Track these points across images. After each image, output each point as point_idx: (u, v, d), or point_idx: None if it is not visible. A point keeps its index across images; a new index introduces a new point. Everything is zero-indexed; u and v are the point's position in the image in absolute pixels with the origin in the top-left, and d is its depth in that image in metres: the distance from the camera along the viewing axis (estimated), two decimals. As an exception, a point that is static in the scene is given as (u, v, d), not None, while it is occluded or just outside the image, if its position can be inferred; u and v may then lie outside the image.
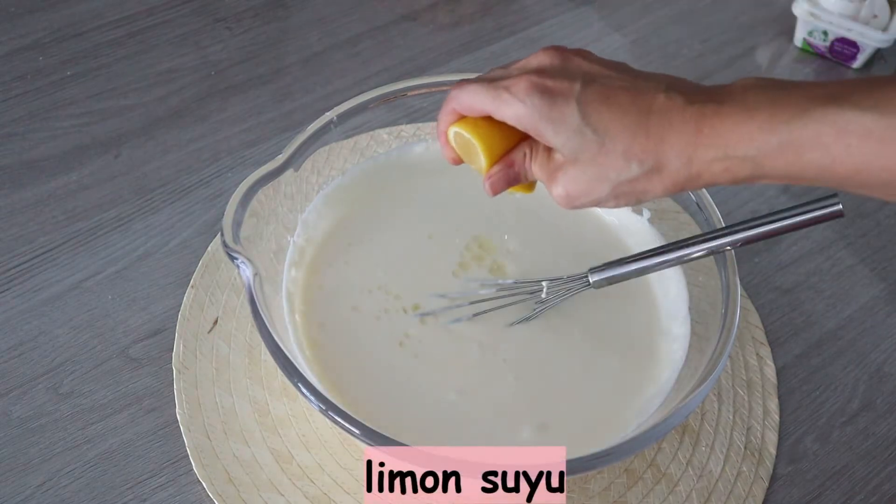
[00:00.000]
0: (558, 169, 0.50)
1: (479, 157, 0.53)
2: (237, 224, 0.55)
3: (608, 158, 0.47)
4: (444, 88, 0.66)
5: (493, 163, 0.53)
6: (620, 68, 0.50)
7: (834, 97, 0.43)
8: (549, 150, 0.52)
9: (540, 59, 0.50)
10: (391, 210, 0.68)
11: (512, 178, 0.53)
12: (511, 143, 0.53)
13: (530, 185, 0.55)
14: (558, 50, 0.51)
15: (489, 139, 0.52)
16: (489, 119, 0.52)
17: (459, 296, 0.63)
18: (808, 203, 0.53)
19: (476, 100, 0.51)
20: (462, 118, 0.53)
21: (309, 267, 0.64)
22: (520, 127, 0.50)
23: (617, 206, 0.50)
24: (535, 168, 0.52)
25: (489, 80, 0.51)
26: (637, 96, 0.47)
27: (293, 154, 0.60)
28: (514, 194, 0.56)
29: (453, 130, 0.53)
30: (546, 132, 0.48)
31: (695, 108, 0.46)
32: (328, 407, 0.50)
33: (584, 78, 0.49)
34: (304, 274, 0.64)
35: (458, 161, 0.56)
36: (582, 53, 0.51)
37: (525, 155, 0.53)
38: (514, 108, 0.49)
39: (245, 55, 0.86)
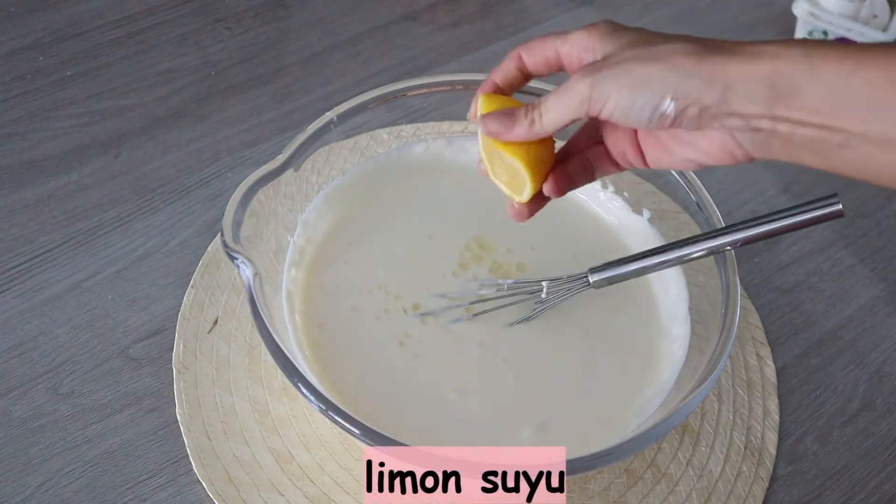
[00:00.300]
0: (608, 61, 0.47)
1: (525, 189, 0.52)
2: (237, 224, 0.55)
3: (660, 53, 0.46)
4: (444, 88, 0.67)
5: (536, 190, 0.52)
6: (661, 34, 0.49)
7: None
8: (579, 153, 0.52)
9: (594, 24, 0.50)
10: (391, 210, 0.68)
11: (506, 120, 0.50)
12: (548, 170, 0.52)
13: (519, 188, 0.53)
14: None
15: (539, 174, 0.52)
16: (541, 153, 0.52)
17: (459, 296, 0.63)
18: (808, 203, 0.53)
19: (535, 42, 0.51)
20: (519, 155, 0.51)
21: (309, 267, 0.64)
22: (574, 53, 0.49)
23: (658, 111, 0.46)
24: (546, 96, 0.49)
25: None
26: (697, 41, 0.47)
27: (293, 154, 0.60)
28: (513, 201, 0.55)
29: (480, 100, 0.52)
30: (604, 46, 0.48)
31: (727, 45, 0.45)
32: (328, 407, 0.50)
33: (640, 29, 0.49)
34: (304, 274, 0.64)
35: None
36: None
37: (528, 105, 0.50)
38: (578, 38, 0.49)
39: (245, 55, 0.86)
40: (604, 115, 0.47)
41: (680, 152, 0.50)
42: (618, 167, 0.54)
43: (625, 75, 0.45)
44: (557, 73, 0.52)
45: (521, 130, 0.50)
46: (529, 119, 0.49)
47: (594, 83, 0.46)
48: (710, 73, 0.44)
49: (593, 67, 0.46)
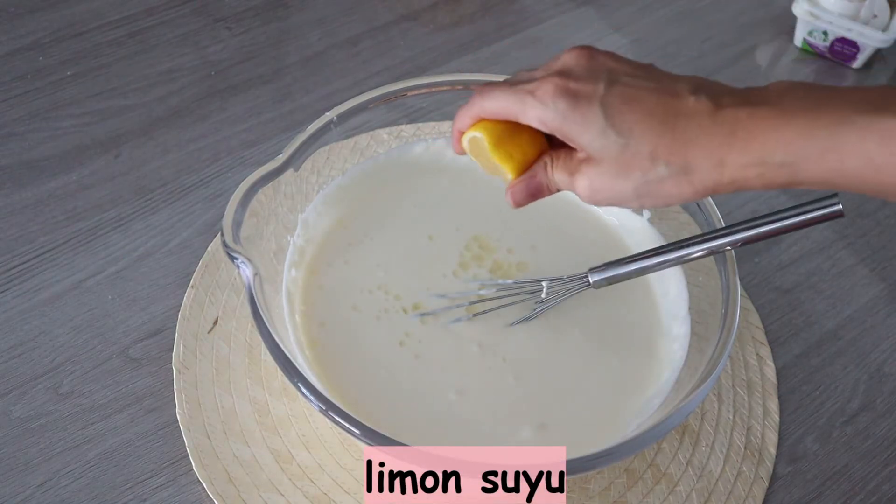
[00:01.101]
0: (583, 163, 0.50)
1: (503, 171, 0.53)
2: (237, 224, 0.55)
3: (633, 159, 0.47)
4: (444, 88, 0.67)
5: (520, 173, 0.53)
6: (647, 69, 0.50)
7: (876, 105, 0.42)
8: (570, 151, 0.51)
9: (565, 59, 0.50)
10: (391, 210, 0.68)
11: (534, 189, 0.53)
12: (532, 152, 0.53)
13: (516, 169, 0.54)
14: (584, 50, 0.50)
15: (510, 151, 0.52)
16: (509, 128, 0.52)
17: (459, 296, 0.63)
18: (808, 203, 0.53)
19: (501, 104, 0.51)
20: (480, 121, 0.53)
21: (309, 267, 0.64)
22: (545, 129, 0.50)
23: (642, 206, 0.49)
24: (557, 174, 0.52)
25: (513, 84, 0.51)
26: (664, 97, 0.47)
27: (293, 154, 0.60)
28: None
29: (470, 135, 0.53)
30: (571, 133, 0.48)
31: (727, 111, 0.46)
32: (328, 407, 0.50)
33: (608, 78, 0.48)
34: (304, 274, 0.64)
35: (463, 153, 0.55)
36: (609, 54, 0.50)
37: (546, 165, 0.52)
38: (538, 112, 0.49)
39: (245, 55, 0.86)
40: None
41: None
42: None
43: (628, 201, 0.49)
44: None
45: (547, 194, 0.54)
46: (551, 190, 0.53)
47: (601, 201, 0.50)
48: (704, 193, 0.47)
49: (595, 189, 0.49)
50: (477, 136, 0.53)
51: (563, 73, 0.49)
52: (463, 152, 0.55)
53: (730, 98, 0.46)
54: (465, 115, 0.53)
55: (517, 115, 0.50)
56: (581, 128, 0.48)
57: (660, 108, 0.47)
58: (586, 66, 0.49)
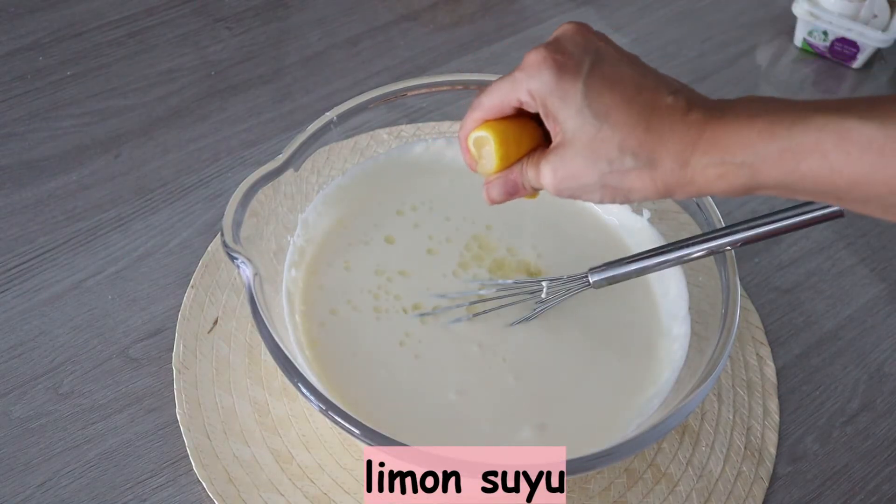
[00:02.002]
0: (552, 151, 0.50)
1: (492, 158, 0.53)
2: (237, 224, 0.55)
3: (603, 145, 0.47)
4: (444, 88, 0.67)
5: (504, 166, 0.53)
6: (635, 60, 0.50)
7: (837, 108, 0.43)
8: (543, 150, 0.52)
9: (559, 32, 0.50)
10: (391, 210, 0.68)
11: (509, 186, 0.53)
12: (526, 150, 0.53)
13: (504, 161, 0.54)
14: (579, 26, 0.50)
15: (505, 140, 0.52)
16: (510, 125, 0.52)
17: (459, 296, 0.63)
18: (808, 203, 0.53)
19: (495, 93, 0.51)
20: (485, 123, 0.53)
21: (309, 267, 0.64)
22: (534, 104, 0.49)
23: (602, 199, 0.49)
24: (528, 169, 0.52)
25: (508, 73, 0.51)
26: (644, 90, 0.47)
27: (293, 154, 0.60)
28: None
29: (474, 135, 0.53)
30: (553, 107, 0.48)
31: (698, 114, 0.46)
32: (328, 407, 0.50)
33: (595, 58, 0.48)
34: (304, 274, 0.64)
35: (475, 164, 0.55)
36: (602, 36, 0.50)
37: (523, 163, 0.53)
38: (526, 83, 0.49)
39: (245, 55, 0.86)
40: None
41: None
42: None
43: (591, 191, 0.49)
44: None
45: (523, 193, 0.54)
46: (527, 189, 0.53)
47: (565, 190, 0.50)
48: (666, 191, 0.47)
49: (563, 175, 0.49)
50: (481, 135, 0.52)
51: (553, 45, 0.49)
52: (474, 163, 0.54)
53: (704, 104, 0.47)
54: (468, 119, 0.53)
55: (510, 94, 0.50)
56: (561, 102, 0.48)
57: (639, 98, 0.47)
58: (577, 42, 0.49)
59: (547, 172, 0.50)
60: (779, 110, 0.44)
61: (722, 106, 0.47)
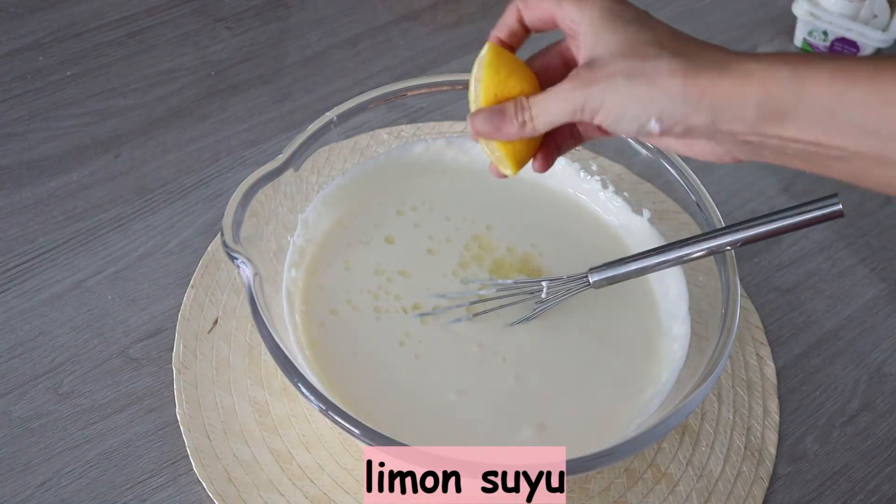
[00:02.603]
0: (576, 70, 0.47)
1: (480, 85, 0.51)
2: (237, 224, 0.55)
3: (640, 46, 0.45)
4: (444, 88, 0.67)
5: (489, 96, 0.51)
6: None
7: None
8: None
9: None
10: (391, 210, 0.68)
11: (496, 116, 0.50)
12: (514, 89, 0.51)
13: (514, 159, 0.52)
14: None
15: (502, 76, 0.50)
16: (514, 61, 0.51)
17: (459, 296, 0.63)
18: (808, 203, 0.53)
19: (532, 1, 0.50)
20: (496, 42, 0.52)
21: (309, 267, 0.64)
22: (572, 19, 0.48)
23: (622, 103, 0.46)
24: (535, 98, 0.49)
25: None
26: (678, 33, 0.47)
27: (293, 154, 0.60)
28: (503, 172, 0.54)
29: (486, 47, 0.52)
30: (594, 18, 0.47)
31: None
32: (328, 407, 0.50)
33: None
34: (304, 274, 0.64)
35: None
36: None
37: (520, 99, 0.50)
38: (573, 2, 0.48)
39: (245, 55, 0.86)
40: (595, 122, 0.47)
41: (667, 144, 0.51)
42: (606, 134, 0.53)
43: (614, 92, 0.46)
44: (553, 30, 0.52)
45: (511, 131, 0.50)
46: (521, 120, 0.50)
47: (588, 94, 0.46)
48: (698, 97, 0.44)
49: (587, 77, 0.47)
50: (482, 54, 0.51)
51: None
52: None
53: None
54: (502, 21, 0.52)
55: (553, 8, 0.49)
56: (608, 16, 0.47)
57: (681, 33, 0.46)
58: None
59: (569, 83, 0.47)
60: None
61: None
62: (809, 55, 0.44)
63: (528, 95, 0.50)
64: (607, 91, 0.46)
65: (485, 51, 0.52)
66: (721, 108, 0.44)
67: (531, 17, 0.51)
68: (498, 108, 0.50)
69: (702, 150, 0.49)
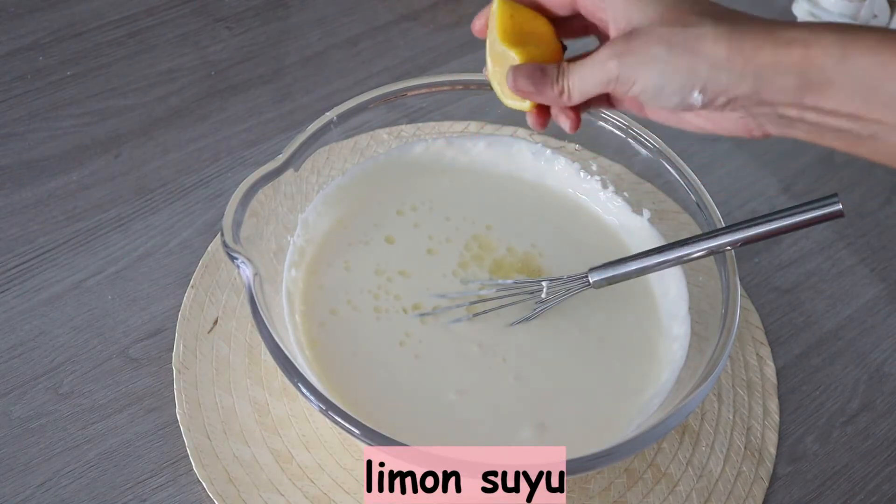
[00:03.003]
0: (613, 40, 0.46)
1: (509, 52, 0.50)
2: (237, 224, 0.55)
3: (681, 14, 0.44)
4: (444, 88, 0.67)
5: (502, 35, 0.50)
6: None
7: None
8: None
9: None
10: (391, 210, 0.68)
11: (538, 75, 0.48)
12: (546, 48, 0.50)
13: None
14: None
15: (525, 30, 0.49)
16: (533, 14, 0.50)
17: (459, 296, 0.63)
18: (808, 203, 0.53)
19: None
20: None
21: (309, 267, 0.64)
22: None
23: (663, 74, 0.44)
24: (574, 67, 0.48)
25: None
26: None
27: (293, 154, 0.60)
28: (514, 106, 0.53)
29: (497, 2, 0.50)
30: None
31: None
32: (328, 407, 0.50)
33: None
34: (304, 274, 0.64)
35: (482, 32, 0.53)
36: None
37: (560, 65, 0.49)
38: None
39: (245, 55, 0.86)
40: (631, 95, 0.46)
41: (693, 121, 0.49)
42: (640, 110, 0.51)
43: (653, 63, 0.44)
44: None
45: (551, 95, 0.49)
46: (560, 87, 0.48)
47: (623, 64, 0.45)
48: (742, 66, 0.43)
49: (623, 48, 0.45)
50: (494, 5, 0.50)
51: None
52: (483, 28, 0.52)
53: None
54: None
55: None
56: None
57: (714, 42, 0.44)
58: None
59: (607, 52, 0.46)
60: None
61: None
62: (854, 25, 0.43)
63: (549, 44, 0.49)
64: (647, 62, 0.44)
65: (496, 12, 0.50)
66: (765, 75, 0.43)
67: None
68: (540, 68, 0.49)
69: (733, 125, 0.48)
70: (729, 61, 0.43)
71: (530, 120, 0.53)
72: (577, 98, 0.49)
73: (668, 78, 0.44)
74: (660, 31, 0.44)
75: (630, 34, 0.45)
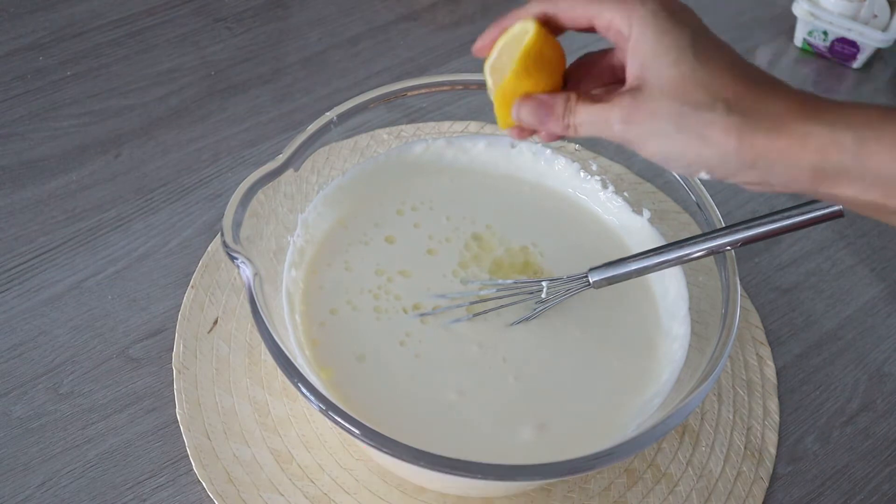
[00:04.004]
0: (624, 94, 0.45)
1: (515, 53, 0.48)
2: (237, 224, 0.55)
3: (694, 88, 0.43)
4: (444, 88, 0.66)
5: (519, 68, 0.48)
6: None
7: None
8: (597, 90, 0.48)
9: None
10: (391, 210, 0.68)
11: (545, 110, 0.48)
12: (552, 78, 0.49)
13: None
14: None
15: (540, 48, 0.48)
16: (549, 45, 0.49)
17: (459, 296, 0.63)
18: (808, 203, 0.53)
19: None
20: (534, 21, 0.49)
21: (309, 267, 0.64)
22: (621, 25, 0.45)
23: (664, 150, 0.44)
24: (582, 105, 0.46)
25: None
26: (748, 64, 0.44)
27: (293, 154, 0.60)
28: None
29: (521, 24, 0.49)
30: (645, 36, 0.44)
31: (810, 95, 0.43)
32: (328, 407, 0.50)
33: (697, 17, 0.46)
34: (304, 274, 0.64)
35: (483, 52, 0.51)
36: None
37: (568, 97, 0.47)
38: (627, 7, 0.45)
39: (245, 55, 0.86)
40: (639, 154, 0.46)
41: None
42: None
43: (661, 138, 0.44)
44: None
45: (555, 129, 0.48)
46: (566, 123, 0.48)
47: (628, 131, 0.45)
48: (752, 159, 0.42)
49: (629, 112, 0.44)
50: (527, 27, 0.48)
51: None
52: (486, 48, 0.51)
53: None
54: (521, 10, 0.49)
55: (594, 6, 0.46)
56: (660, 36, 0.44)
57: (743, 64, 0.44)
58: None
59: (617, 113, 0.45)
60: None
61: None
62: (872, 110, 0.42)
63: (558, 70, 0.48)
64: (654, 135, 0.44)
65: (529, 35, 0.48)
66: (776, 170, 0.42)
67: (564, 20, 0.49)
68: (547, 103, 0.48)
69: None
70: (738, 153, 0.43)
71: (513, 134, 0.52)
72: (582, 135, 0.48)
73: (674, 155, 0.44)
74: (669, 107, 0.43)
75: (639, 94, 0.44)
